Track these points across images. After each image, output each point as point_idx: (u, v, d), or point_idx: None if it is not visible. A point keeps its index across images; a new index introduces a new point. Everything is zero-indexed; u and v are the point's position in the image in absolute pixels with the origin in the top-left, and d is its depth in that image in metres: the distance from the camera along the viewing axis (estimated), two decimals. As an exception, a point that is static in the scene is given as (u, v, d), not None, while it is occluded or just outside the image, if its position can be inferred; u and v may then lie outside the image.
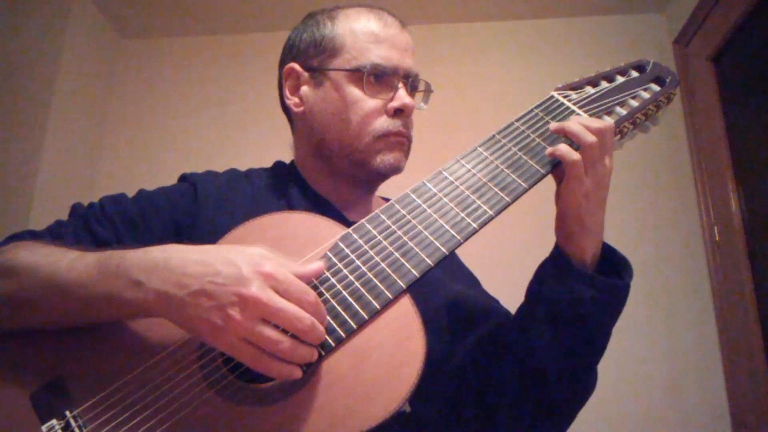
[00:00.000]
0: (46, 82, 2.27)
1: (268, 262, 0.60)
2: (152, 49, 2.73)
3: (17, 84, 2.14)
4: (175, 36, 2.73)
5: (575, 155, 0.72)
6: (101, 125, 2.60)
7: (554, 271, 0.75)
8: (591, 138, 0.72)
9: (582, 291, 0.72)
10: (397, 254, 0.69)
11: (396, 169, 0.88)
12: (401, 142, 0.88)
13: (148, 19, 2.64)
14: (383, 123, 0.86)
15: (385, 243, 0.70)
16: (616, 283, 0.73)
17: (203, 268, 0.60)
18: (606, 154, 0.74)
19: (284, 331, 0.59)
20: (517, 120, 0.80)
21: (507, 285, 1.00)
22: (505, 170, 0.75)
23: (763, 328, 1.88)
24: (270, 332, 0.58)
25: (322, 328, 0.61)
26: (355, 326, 0.64)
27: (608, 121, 0.79)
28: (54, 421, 0.60)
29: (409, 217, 0.72)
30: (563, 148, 0.73)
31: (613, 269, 0.76)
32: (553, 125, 0.77)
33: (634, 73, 0.86)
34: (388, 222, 0.72)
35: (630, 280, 0.75)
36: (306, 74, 0.91)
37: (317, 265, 0.66)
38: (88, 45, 2.51)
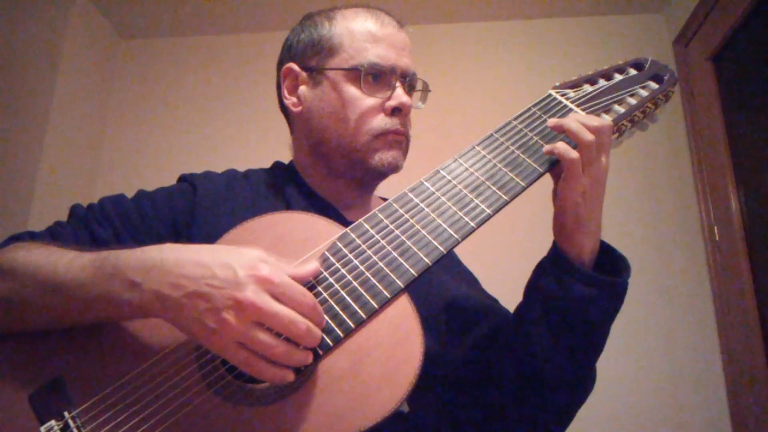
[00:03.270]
0: (46, 83, 2.27)
1: (264, 265, 0.60)
2: (152, 49, 2.73)
3: (17, 84, 2.14)
4: (174, 36, 2.73)
5: (573, 153, 0.71)
6: (101, 125, 2.60)
7: (552, 269, 0.75)
8: (589, 136, 0.72)
9: (580, 289, 0.71)
10: (395, 253, 0.68)
11: (394, 168, 0.88)
12: (399, 140, 0.88)
13: (147, 20, 2.64)
14: (381, 122, 0.86)
15: (383, 242, 0.69)
16: (615, 281, 0.73)
17: (199, 270, 0.60)
18: (603, 153, 0.74)
19: (279, 335, 0.59)
20: (515, 118, 0.80)
21: (506, 284, 0.99)
22: (503, 169, 0.75)
23: (763, 328, 1.88)
24: (264, 337, 0.58)
25: (318, 332, 0.61)
26: (353, 326, 0.64)
27: (606, 119, 0.78)
28: (53, 422, 0.60)
29: (407, 216, 0.71)
30: (561, 147, 0.72)
31: (611, 267, 0.76)
32: (551, 121, 0.76)
33: (633, 71, 0.86)
34: (386, 221, 0.71)
35: (628, 278, 0.74)
36: (304, 74, 0.91)
37: (313, 266, 0.66)
38: (87, 45, 2.51)
